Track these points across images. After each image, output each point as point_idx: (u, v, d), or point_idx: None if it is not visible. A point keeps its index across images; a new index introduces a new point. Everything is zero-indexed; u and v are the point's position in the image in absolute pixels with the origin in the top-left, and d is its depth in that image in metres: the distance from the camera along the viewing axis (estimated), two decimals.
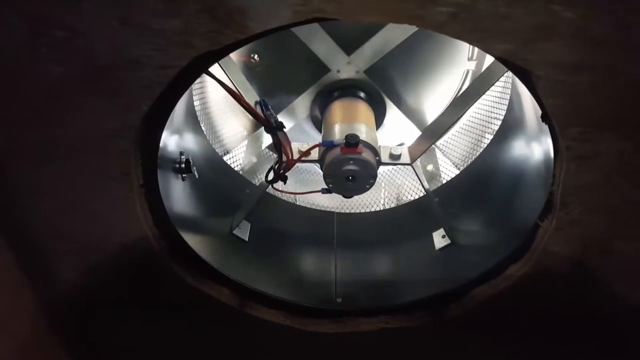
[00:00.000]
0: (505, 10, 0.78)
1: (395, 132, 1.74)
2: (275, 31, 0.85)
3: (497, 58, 0.89)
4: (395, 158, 1.45)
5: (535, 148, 1.23)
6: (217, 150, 1.62)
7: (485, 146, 1.57)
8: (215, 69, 1.26)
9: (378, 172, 1.33)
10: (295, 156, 1.30)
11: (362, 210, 1.79)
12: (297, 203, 1.77)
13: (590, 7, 0.77)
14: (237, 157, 1.74)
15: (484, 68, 1.60)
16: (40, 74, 0.88)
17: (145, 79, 0.89)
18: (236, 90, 1.32)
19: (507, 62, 0.87)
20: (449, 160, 1.77)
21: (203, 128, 1.56)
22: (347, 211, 1.78)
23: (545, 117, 0.96)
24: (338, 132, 1.36)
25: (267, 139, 1.73)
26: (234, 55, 1.55)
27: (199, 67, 0.92)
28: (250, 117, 1.78)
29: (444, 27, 0.81)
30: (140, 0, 0.79)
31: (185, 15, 0.81)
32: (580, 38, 0.81)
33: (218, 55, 0.89)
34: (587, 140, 0.94)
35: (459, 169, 1.69)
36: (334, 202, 1.80)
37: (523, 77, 0.91)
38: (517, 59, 0.85)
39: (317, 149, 1.33)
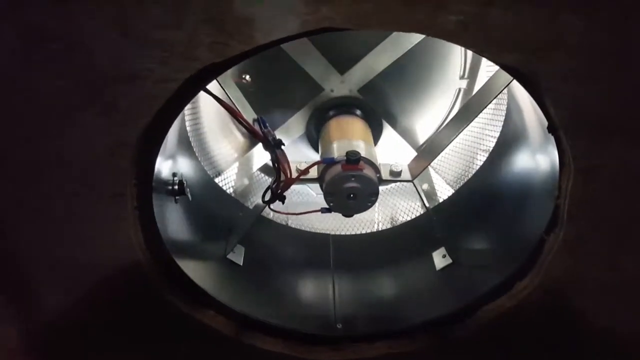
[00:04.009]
0: (514, 19, 0.78)
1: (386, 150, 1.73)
2: (281, 42, 0.83)
3: (505, 68, 0.89)
4: (395, 175, 1.43)
5: (534, 163, 1.23)
6: (209, 172, 1.58)
7: (480, 164, 1.57)
8: (212, 86, 1.23)
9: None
10: (294, 175, 1.26)
11: (357, 232, 1.76)
12: (292, 226, 1.73)
13: (597, 17, 0.77)
14: (229, 180, 1.69)
15: (475, 86, 1.62)
16: (32, 88, 0.84)
17: (144, 94, 0.86)
18: (234, 108, 1.29)
19: (515, 71, 0.87)
20: (443, 180, 1.77)
21: (195, 150, 1.52)
22: (343, 233, 1.74)
23: (551, 128, 0.96)
24: (337, 149, 1.34)
25: (258, 162, 1.70)
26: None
27: (201, 80, 0.89)
28: (242, 138, 1.76)
29: (454, 36, 0.81)
30: (143, 11, 0.76)
31: (190, 26, 0.78)
32: (588, 48, 0.81)
33: (221, 67, 0.86)
34: (595, 150, 0.93)
35: (453, 188, 1.68)
36: (328, 225, 1.77)
37: (530, 87, 0.90)
38: (526, 69, 0.84)
39: (316, 167, 1.30)
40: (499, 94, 1.33)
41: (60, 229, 1.03)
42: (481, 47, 0.83)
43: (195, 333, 1.23)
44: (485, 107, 1.38)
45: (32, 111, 0.87)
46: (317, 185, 1.45)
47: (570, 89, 0.86)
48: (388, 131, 1.65)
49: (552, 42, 0.80)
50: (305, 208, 1.55)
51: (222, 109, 1.17)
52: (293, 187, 1.42)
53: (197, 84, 0.89)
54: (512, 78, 1.24)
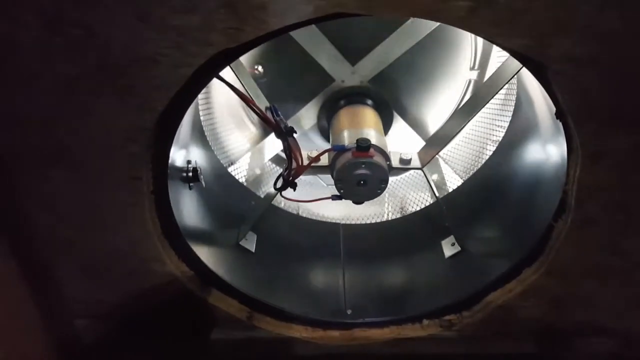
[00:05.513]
0: (523, 3, 0.79)
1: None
2: (294, 28, 0.85)
3: (513, 54, 0.90)
4: (405, 163, 1.44)
5: (543, 152, 1.23)
6: (222, 161, 1.61)
7: (489, 154, 1.58)
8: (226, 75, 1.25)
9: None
10: (305, 163, 1.28)
11: (368, 222, 1.78)
12: (303, 215, 1.75)
13: (607, 1, 0.78)
14: (242, 169, 1.72)
15: (486, 77, 1.63)
16: (53, 74, 0.87)
17: (160, 78, 0.88)
18: (248, 95, 1.31)
19: (523, 57, 0.88)
20: (452, 170, 1.78)
21: (209, 140, 1.55)
22: (353, 222, 1.76)
23: (559, 114, 0.97)
24: (347, 137, 1.35)
25: (270, 151, 1.73)
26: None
27: (216, 66, 0.91)
28: (254, 129, 1.79)
29: (464, 22, 0.82)
30: None
31: (205, 10, 0.80)
32: (597, 32, 0.82)
33: (235, 53, 0.88)
34: (603, 136, 0.94)
35: (462, 178, 1.69)
36: (338, 214, 1.79)
37: (539, 73, 0.91)
38: (534, 54, 0.85)
39: (326, 154, 1.32)
40: (508, 81, 1.34)
41: (80, 213, 1.06)
42: (490, 32, 0.84)
43: (209, 317, 1.26)
44: (494, 95, 1.39)
45: (52, 97, 0.89)
46: (327, 176, 1.48)
47: (578, 74, 0.86)
48: (398, 123, 1.66)
49: (561, 27, 0.81)
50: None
51: (235, 100, 1.19)
52: (303, 177, 1.44)
53: (211, 69, 0.91)
54: (521, 66, 1.26)
